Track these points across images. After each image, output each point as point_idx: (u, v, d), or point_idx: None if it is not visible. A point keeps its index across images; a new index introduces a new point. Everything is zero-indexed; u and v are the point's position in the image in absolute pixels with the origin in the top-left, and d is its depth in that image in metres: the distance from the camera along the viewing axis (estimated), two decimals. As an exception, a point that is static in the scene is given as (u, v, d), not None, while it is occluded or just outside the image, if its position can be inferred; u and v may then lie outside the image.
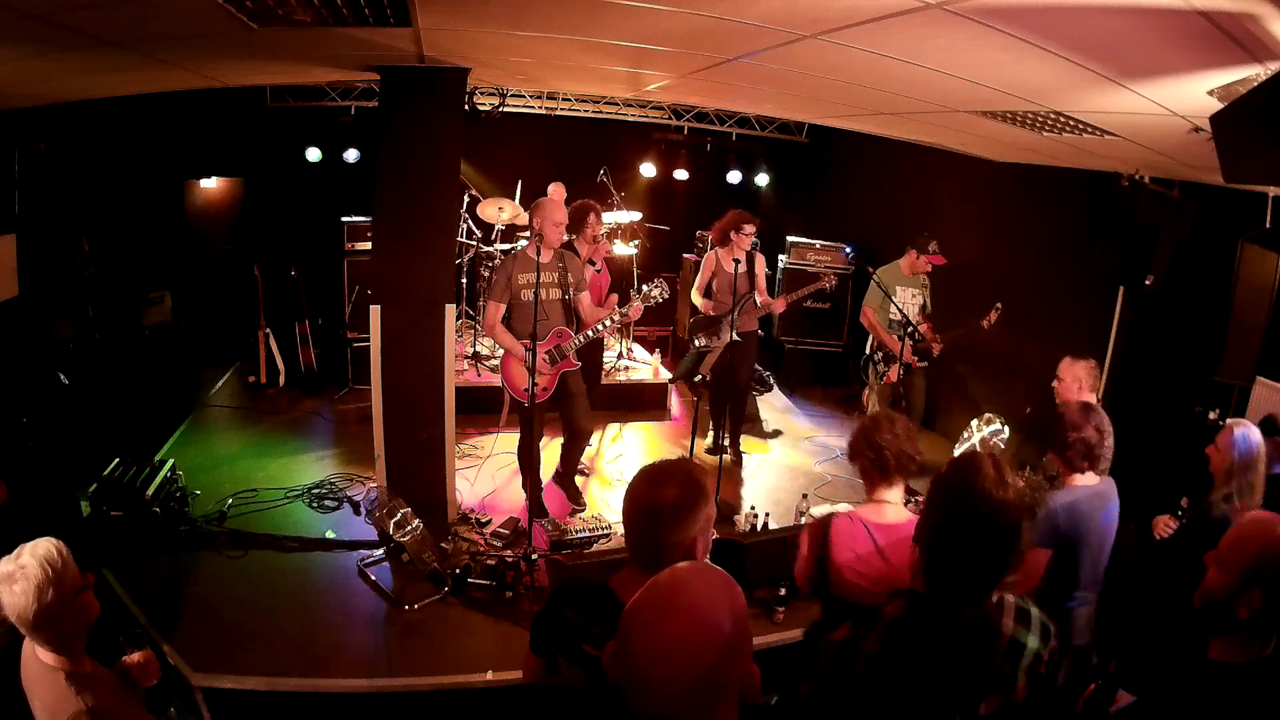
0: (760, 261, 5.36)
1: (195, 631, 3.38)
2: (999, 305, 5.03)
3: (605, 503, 4.93)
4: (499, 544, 4.29)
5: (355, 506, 4.55)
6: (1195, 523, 2.92)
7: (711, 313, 5.35)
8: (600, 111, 7.55)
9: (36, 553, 1.80)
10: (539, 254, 4.06)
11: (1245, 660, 1.54)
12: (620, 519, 1.66)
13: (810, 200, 8.50)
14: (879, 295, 5.16)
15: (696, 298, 5.39)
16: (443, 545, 4.15)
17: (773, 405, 7.06)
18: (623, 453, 5.81)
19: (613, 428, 6.16)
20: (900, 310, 5.05)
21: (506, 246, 6.79)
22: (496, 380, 5.65)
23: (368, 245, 6.20)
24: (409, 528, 3.97)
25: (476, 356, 6.57)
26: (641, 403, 6.61)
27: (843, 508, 4.66)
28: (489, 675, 3.25)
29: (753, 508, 4.68)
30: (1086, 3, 1.72)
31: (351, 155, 6.88)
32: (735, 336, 5.13)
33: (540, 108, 7.43)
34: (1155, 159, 3.75)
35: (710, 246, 5.44)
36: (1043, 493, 2.74)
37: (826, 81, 3.41)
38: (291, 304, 6.60)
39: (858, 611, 1.67)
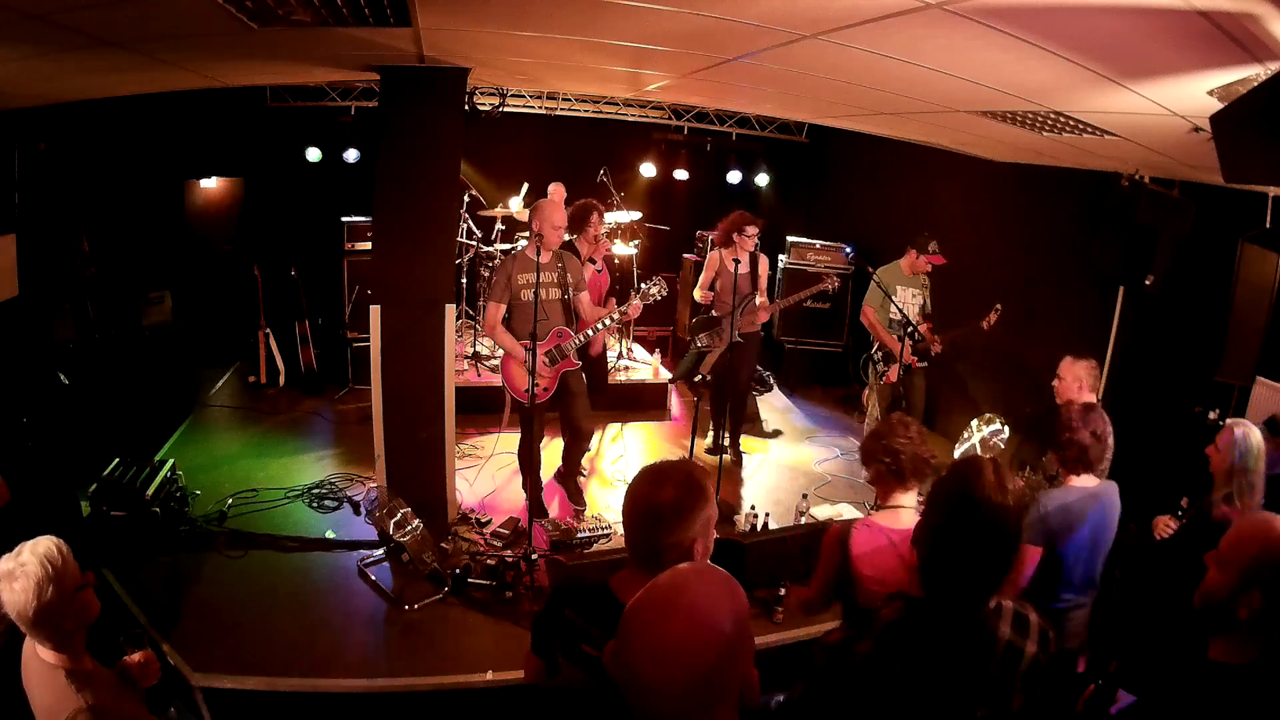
0: (764, 263, 5.36)
1: (195, 631, 3.38)
2: (998, 306, 5.04)
3: (605, 503, 4.93)
4: (499, 544, 4.29)
5: (355, 506, 4.56)
6: (1195, 523, 2.92)
7: (714, 311, 5.35)
8: (600, 111, 7.55)
9: (37, 550, 1.81)
10: (538, 254, 4.06)
11: (1245, 660, 1.54)
12: (620, 519, 1.66)
13: (810, 200, 8.50)
14: (879, 295, 5.16)
15: (699, 293, 5.39)
16: (443, 545, 4.15)
17: (773, 405, 7.05)
18: (623, 453, 5.81)
19: (613, 428, 6.16)
20: (900, 310, 5.06)
21: (506, 246, 6.79)
22: (496, 380, 5.65)
23: (368, 245, 6.20)
24: (409, 528, 3.97)
25: (476, 356, 6.57)
26: (641, 403, 6.61)
27: (844, 508, 4.71)
28: (489, 675, 3.25)
29: (753, 508, 4.69)
30: (1086, 3, 1.72)
31: (351, 155, 6.87)
32: (737, 337, 5.13)
33: (540, 108, 7.43)
34: (1155, 159, 3.75)
35: (713, 246, 5.44)
36: (1041, 492, 2.74)
37: (826, 81, 3.41)
38: (291, 304, 6.60)
39: None
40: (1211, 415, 4.13)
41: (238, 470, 5.04)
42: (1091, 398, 3.69)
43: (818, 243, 7.42)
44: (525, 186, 6.85)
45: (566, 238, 4.72)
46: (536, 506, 4.45)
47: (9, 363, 4.60)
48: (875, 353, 5.41)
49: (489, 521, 4.56)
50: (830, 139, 7.77)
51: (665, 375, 6.84)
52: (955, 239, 5.49)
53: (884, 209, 7.26)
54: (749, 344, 5.39)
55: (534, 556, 3.88)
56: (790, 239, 7.45)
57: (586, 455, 5.08)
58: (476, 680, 3.24)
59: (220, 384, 6.64)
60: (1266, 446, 2.81)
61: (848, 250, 7.08)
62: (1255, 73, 1.91)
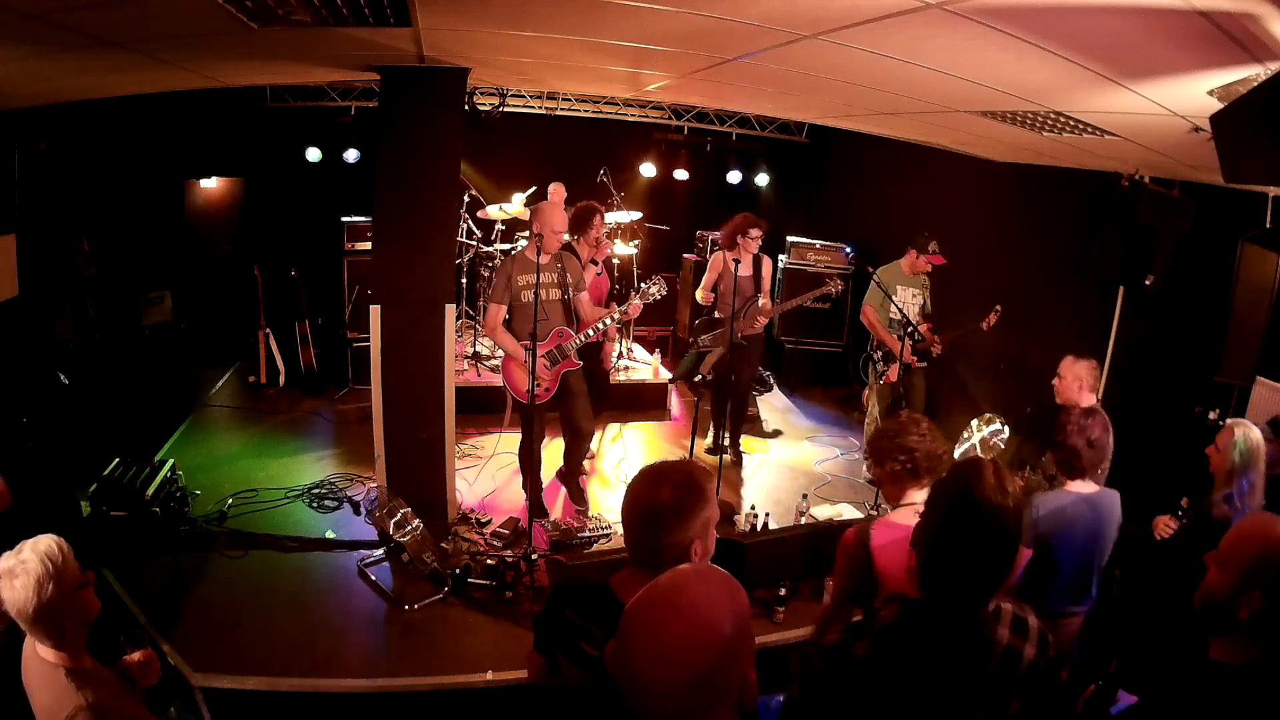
0: (767, 265, 5.36)
1: (195, 631, 3.38)
2: (998, 307, 5.04)
3: (605, 503, 4.93)
4: (499, 544, 4.29)
5: (355, 506, 4.56)
6: (1195, 523, 2.92)
7: (716, 313, 5.35)
8: (600, 111, 7.55)
9: (37, 548, 1.82)
10: (538, 255, 4.06)
11: (1245, 661, 1.54)
12: (620, 519, 1.66)
13: (810, 200, 8.50)
14: (879, 295, 5.16)
15: (701, 293, 5.40)
16: (443, 545, 4.15)
17: (773, 405, 7.05)
18: (623, 454, 5.81)
19: (613, 428, 6.16)
20: (900, 310, 5.06)
21: (506, 246, 6.79)
22: (496, 380, 5.66)
23: (368, 245, 6.21)
24: (409, 528, 3.98)
25: (476, 356, 6.57)
26: (641, 403, 6.61)
27: (844, 508, 4.71)
28: (489, 675, 3.25)
29: (753, 507, 4.69)
30: (1086, 3, 1.72)
31: (351, 155, 6.88)
32: (740, 339, 5.14)
33: (540, 108, 7.43)
34: (1155, 159, 3.75)
35: (716, 248, 5.44)
36: (1037, 493, 2.75)
37: (826, 81, 3.41)
38: (291, 304, 6.60)
39: None
40: (1211, 415, 4.13)
41: (238, 470, 5.04)
42: (1091, 398, 3.70)
43: (818, 243, 7.42)
44: (533, 189, 6.85)
45: (566, 238, 4.71)
46: (536, 506, 4.45)
47: (9, 363, 4.61)
48: (875, 352, 5.41)
49: (489, 521, 4.56)
50: (830, 139, 7.77)
51: (665, 375, 6.84)
52: (955, 239, 5.49)
53: (884, 209, 7.25)
54: (751, 345, 5.39)
55: (534, 556, 3.88)
56: (790, 239, 7.45)
57: (587, 456, 5.09)
58: (476, 680, 3.24)
59: (220, 384, 6.64)
60: (1267, 447, 2.81)
61: (848, 250, 7.08)
62: (1255, 73, 1.91)
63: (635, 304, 4.41)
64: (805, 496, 4.72)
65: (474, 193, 6.96)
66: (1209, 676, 1.56)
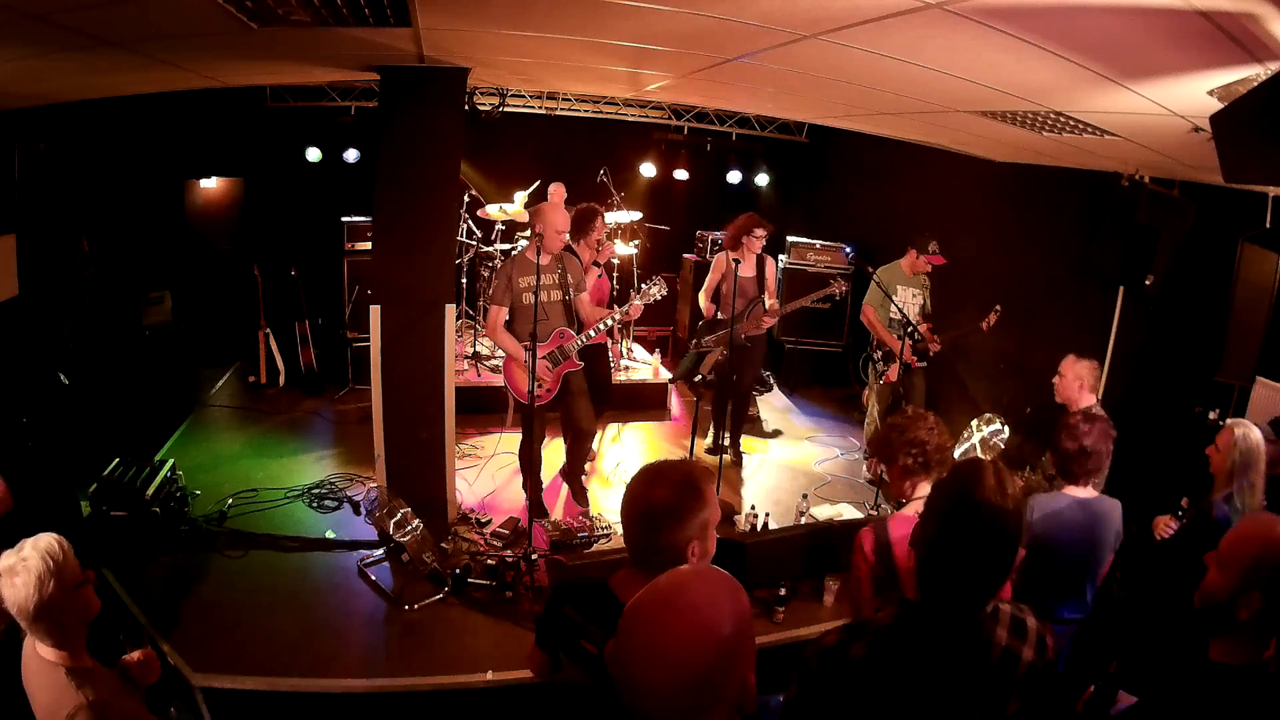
0: (770, 266, 5.36)
1: (195, 631, 3.38)
2: (998, 308, 5.04)
3: (605, 503, 4.93)
4: (499, 544, 4.29)
5: (355, 506, 4.55)
6: (1195, 523, 2.92)
7: (719, 314, 5.34)
8: (600, 111, 7.54)
9: (38, 546, 1.82)
10: (538, 256, 4.06)
11: (1245, 661, 1.54)
12: (620, 519, 1.65)
13: (810, 200, 8.50)
14: (879, 294, 5.17)
15: (703, 299, 5.39)
16: (443, 545, 4.15)
17: (773, 405, 7.05)
18: (623, 454, 5.81)
19: (613, 428, 6.16)
20: (900, 310, 5.06)
21: (506, 247, 6.80)
22: (496, 380, 5.65)
23: (368, 245, 6.21)
24: (409, 528, 3.97)
25: (476, 356, 6.57)
26: (641, 403, 6.61)
27: (844, 508, 4.71)
28: (489, 675, 3.25)
29: (753, 507, 4.69)
30: (1086, 3, 1.72)
31: (351, 155, 6.88)
32: (744, 340, 5.13)
33: (540, 108, 7.43)
34: (1155, 159, 3.75)
35: (717, 248, 5.44)
36: (1034, 494, 2.75)
37: (826, 81, 3.41)
38: (291, 304, 6.60)
39: None
40: (1211, 415, 4.13)
41: (238, 470, 5.04)
42: (1091, 398, 3.71)
43: (818, 243, 7.42)
44: (538, 183, 6.83)
45: (567, 241, 4.71)
46: (536, 506, 4.45)
47: (9, 363, 4.60)
48: (875, 352, 5.41)
49: (489, 521, 4.56)
50: (830, 139, 7.77)
51: (665, 375, 6.84)
52: (955, 239, 5.49)
53: (884, 209, 7.25)
54: (755, 346, 5.39)
55: (534, 556, 3.88)
56: (790, 239, 7.45)
57: (589, 456, 5.08)
58: (476, 680, 3.24)
59: (220, 384, 6.64)
60: (1267, 447, 2.81)
61: (848, 250, 7.08)
62: (1255, 73, 1.91)
63: (636, 305, 4.41)
64: (805, 496, 4.72)
65: (474, 193, 6.96)
66: (1209, 677, 1.56)
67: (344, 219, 6.52)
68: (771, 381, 7.32)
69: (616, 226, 6.91)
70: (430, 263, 4.28)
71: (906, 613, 1.52)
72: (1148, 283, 4.12)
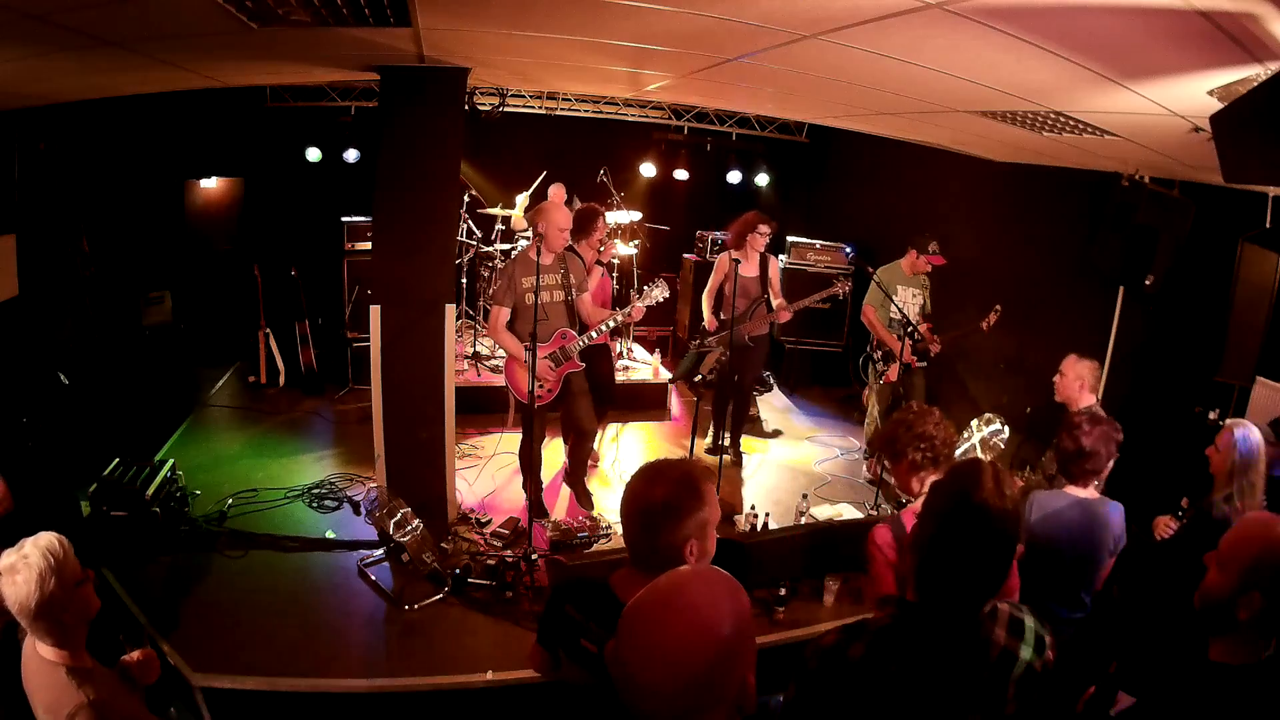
0: (774, 265, 5.36)
1: (195, 631, 3.38)
2: (998, 308, 5.04)
3: (605, 503, 4.93)
4: (499, 544, 4.29)
5: (355, 506, 4.55)
6: (1195, 523, 2.92)
7: (722, 315, 5.33)
8: (600, 111, 7.55)
9: (39, 544, 1.83)
10: (539, 256, 4.06)
11: (1245, 661, 1.54)
12: (619, 518, 1.65)
13: (810, 200, 8.50)
14: (880, 294, 5.17)
15: (706, 304, 5.38)
16: (443, 545, 4.15)
17: (773, 405, 7.05)
18: (623, 454, 5.81)
19: (613, 428, 6.16)
20: (900, 310, 5.06)
21: (506, 247, 6.79)
22: (497, 380, 5.65)
23: (368, 245, 6.21)
24: (409, 528, 3.97)
25: (476, 356, 6.57)
26: (641, 403, 6.61)
27: (844, 508, 4.71)
28: (489, 675, 3.25)
29: (753, 507, 4.69)
30: (1086, 3, 1.72)
31: (351, 155, 6.87)
32: (748, 340, 5.12)
33: (540, 108, 7.43)
34: (1155, 159, 3.75)
35: (719, 248, 5.43)
36: (1033, 492, 2.75)
37: (826, 81, 3.41)
38: (291, 304, 6.60)
39: None
40: (1211, 415, 4.13)
41: (238, 470, 5.04)
42: (1091, 397, 3.71)
43: (818, 243, 7.42)
44: (540, 179, 6.82)
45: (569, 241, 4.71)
46: (536, 506, 4.45)
47: (9, 363, 4.60)
48: (875, 352, 5.41)
49: (489, 521, 4.56)
50: (830, 139, 7.77)
51: (665, 375, 6.83)
52: (955, 239, 5.50)
53: (884, 209, 7.26)
54: (758, 346, 5.39)
55: (534, 556, 3.88)
56: (790, 239, 7.44)
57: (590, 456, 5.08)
58: (476, 680, 3.24)
59: (220, 384, 6.64)
60: (1268, 448, 2.81)
61: (848, 250, 7.08)
62: (1255, 73, 1.91)
63: (638, 307, 4.41)
64: (805, 496, 4.72)
65: (474, 193, 6.96)
66: (1209, 677, 1.56)
67: (344, 219, 6.52)
68: (772, 381, 7.32)
69: (616, 226, 6.91)
70: (430, 263, 4.28)
71: (905, 613, 1.52)
72: (1148, 283, 4.13)
